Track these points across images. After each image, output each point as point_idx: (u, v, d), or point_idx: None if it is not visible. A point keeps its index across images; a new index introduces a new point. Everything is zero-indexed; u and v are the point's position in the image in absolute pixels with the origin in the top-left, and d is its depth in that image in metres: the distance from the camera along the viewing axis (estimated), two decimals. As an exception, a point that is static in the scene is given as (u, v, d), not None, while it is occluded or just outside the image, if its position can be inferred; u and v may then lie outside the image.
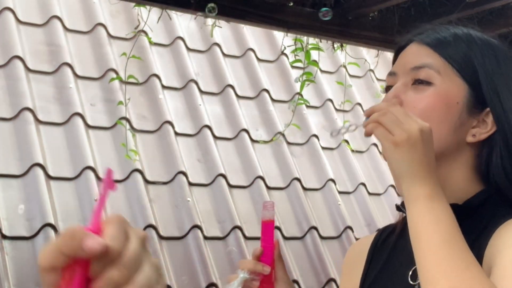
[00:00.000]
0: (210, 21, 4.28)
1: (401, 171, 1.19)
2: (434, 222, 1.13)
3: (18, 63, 4.21)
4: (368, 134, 1.28)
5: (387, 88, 1.38)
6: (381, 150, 4.74)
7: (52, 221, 3.68)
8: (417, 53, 1.36)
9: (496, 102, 1.30)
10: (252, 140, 4.76)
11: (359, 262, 1.44)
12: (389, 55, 5.65)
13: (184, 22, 4.88)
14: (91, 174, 3.97)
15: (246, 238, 4.27)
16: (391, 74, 1.38)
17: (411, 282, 1.29)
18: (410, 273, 1.29)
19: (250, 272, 1.37)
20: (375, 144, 5.33)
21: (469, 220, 1.26)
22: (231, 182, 4.47)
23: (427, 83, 1.31)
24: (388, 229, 1.48)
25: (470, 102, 1.30)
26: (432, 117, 1.27)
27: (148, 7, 3.75)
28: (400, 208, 1.35)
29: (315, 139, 5.01)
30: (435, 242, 1.11)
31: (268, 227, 1.39)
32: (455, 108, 1.29)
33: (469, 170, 1.32)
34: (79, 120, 4.16)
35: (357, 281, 1.42)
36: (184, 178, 4.28)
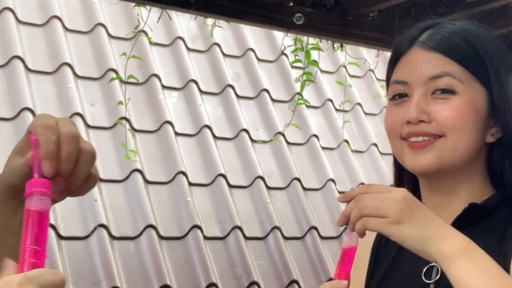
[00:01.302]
0: (210, 21, 4.28)
1: (420, 240, 1.14)
2: (484, 274, 1.10)
3: (18, 63, 4.21)
4: (362, 235, 1.19)
5: (397, 96, 1.34)
6: (381, 150, 4.68)
7: (52, 221, 3.68)
8: (430, 61, 1.31)
9: (502, 97, 1.30)
10: (252, 140, 4.76)
11: (362, 260, 1.42)
12: (389, 55, 5.65)
13: (184, 22, 4.88)
14: (91, 174, 3.97)
15: (246, 238, 4.27)
16: (402, 83, 1.33)
17: (425, 280, 1.28)
18: (424, 270, 1.28)
19: None
20: (375, 144, 5.34)
21: (487, 221, 1.26)
22: (231, 182, 4.47)
23: (450, 91, 1.28)
24: None
25: (489, 104, 1.30)
26: (464, 126, 1.27)
27: (148, 7, 3.75)
28: None
29: (315, 139, 5.01)
30: None
31: (350, 255, 1.29)
32: (481, 113, 1.29)
33: (484, 171, 1.33)
34: (79, 120, 4.16)
35: (361, 279, 1.41)
36: (184, 178, 4.28)
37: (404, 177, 1.42)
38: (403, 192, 1.16)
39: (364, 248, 1.44)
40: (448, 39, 1.32)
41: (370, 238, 1.45)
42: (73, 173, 0.91)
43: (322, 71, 5.29)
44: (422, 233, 1.13)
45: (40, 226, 0.84)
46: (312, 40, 4.00)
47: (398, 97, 1.33)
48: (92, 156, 0.93)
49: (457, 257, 1.11)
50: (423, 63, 1.31)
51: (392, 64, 1.38)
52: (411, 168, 1.32)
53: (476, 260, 1.11)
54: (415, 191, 1.39)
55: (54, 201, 0.93)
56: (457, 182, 1.31)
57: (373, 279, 1.39)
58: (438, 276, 1.26)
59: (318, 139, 5.04)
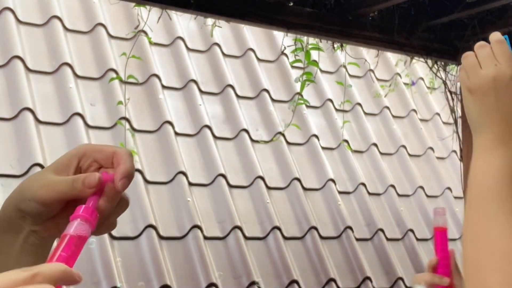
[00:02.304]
0: (210, 21, 4.28)
1: (471, 118, 1.15)
2: (487, 171, 1.10)
3: (18, 63, 4.21)
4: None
5: None
6: (381, 150, 4.69)
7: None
8: None
9: None
10: (252, 140, 4.75)
11: None
12: (389, 55, 5.66)
13: (184, 22, 4.88)
14: (91, 174, 3.96)
15: (246, 238, 4.27)
16: None
17: None
18: None
19: (428, 286, 1.31)
20: (375, 144, 5.34)
21: None
22: (231, 182, 4.47)
23: None
24: None
25: None
26: None
27: (148, 7, 3.75)
28: None
29: (315, 139, 5.01)
30: (482, 192, 1.09)
31: (443, 235, 1.32)
32: None
33: None
34: (79, 120, 4.16)
35: None
36: (184, 178, 4.27)
37: None
38: (501, 74, 1.13)
39: None
40: None
41: None
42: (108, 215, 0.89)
43: (322, 71, 5.29)
44: (477, 116, 1.13)
45: (75, 250, 0.79)
46: (312, 40, 4.00)
47: None
48: (126, 207, 0.94)
49: (479, 151, 1.12)
50: None
51: None
52: None
53: (492, 159, 1.10)
54: None
55: (45, 240, 0.90)
56: None
57: None
58: None
59: (318, 139, 5.04)
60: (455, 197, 5.43)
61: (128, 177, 0.93)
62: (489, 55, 1.14)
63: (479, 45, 1.16)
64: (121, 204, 0.94)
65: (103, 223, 0.89)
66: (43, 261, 0.85)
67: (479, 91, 1.13)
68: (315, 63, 4.06)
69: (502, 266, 1.02)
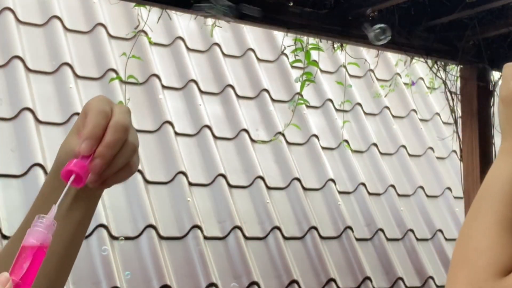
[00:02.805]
0: (210, 21, 4.28)
1: (500, 125, 1.20)
2: (499, 174, 1.11)
3: (18, 63, 4.21)
4: None
5: None
6: (381, 150, 4.68)
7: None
8: None
9: None
10: (252, 140, 4.75)
11: None
12: (389, 55, 5.66)
13: (184, 22, 4.88)
14: (91, 174, 3.96)
15: (246, 238, 4.27)
16: None
17: None
18: None
19: None
20: (375, 144, 5.34)
21: None
22: (231, 182, 4.47)
23: None
24: None
25: None
26: None
27: (148, 7, 3.75)
28: None
29: (315, 139, 5.01)
30: (486, 192, 1.10)
31: None
32: None
33: None
34: (79, 120, 4.15)
35: None
36: (184, 178, 4.27)
37: None
38: None
39: None
40: None
41: None
42: (112, 161, 0.93)
43: (322, 71, 5.29)
44: (505, 124, 1.17)
45: (33, 262, 0.79)
46: (312, 40, 4.00)
47: None
48: (133, 149, 0.97)
49: (498, 156, 1.15)
50: None
51: None
52: None
53: (504, 163, 1.12)
54: None
55: (92, 192, 0.97)
56: None
57: None
58: None
59: (318, 139, 5.04)
60: (455, 197, 5.43)
61: (102, 157, 0.93)
62: None
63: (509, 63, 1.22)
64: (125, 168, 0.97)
65: (111, 170, 0.94)
66: (91, 213, 0.99)
67: (507, 100, 1.18)
68: (315, 63, 4.06)
69: (471, 261, 1.04)
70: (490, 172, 1.14)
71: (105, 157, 0.92)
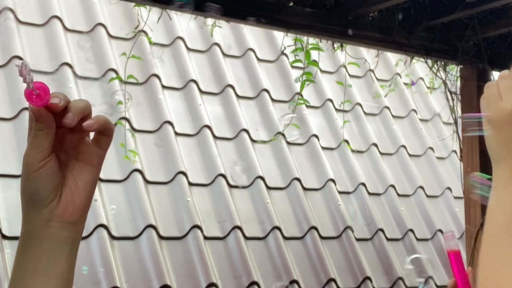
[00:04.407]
0: (210, 21, 4.28)
1: (489, 147, 1.13)
2: (504, 207, 1.07)
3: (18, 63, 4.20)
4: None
5: None
6: (381, 150, 4.67)
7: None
8: None
9: None
10: (252, 140, 4.75)
11: None
12: (389, 55, 5.66)
13: (184, 22, 4.88)
14: (91, 174, 3.97)
15: (246, 238, 4.27)
16: None
17: None
18: None
19: None
20: (375, 144, 5.33)
21: None
22: (231, 182, 4.47)
23: None
24: None
25: None
26: None
27: (148, 7, 3.75)
28: None
29: (315, 139, 5.01)
30: (495, 229, 1.07)
31: (457, 257, 1.36)
32: None
33: None
34: (79, 120, 4.15)
35: None
36: (184, 178, 4.27)
37: None
38: None
39: None
40: None
41: None
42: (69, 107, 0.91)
43: (322, 71, 5.29)
44: (496, 147, 1.11)
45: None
46: (312, 40, 4.00)
47: None
48: (83, 102, 0.92)
49: (496, 183, 1.09)
50: None
51: None
52: None
53: (507, 194, 1.08)
54: None
55: (74, 233, 0.95)
56: None
57: None
58: None
59: (318, 139, 5.04)
60: (455, 197, 5.43)
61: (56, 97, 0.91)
62: (510, 87, 1.12)
63: (502, 75, 1.15)
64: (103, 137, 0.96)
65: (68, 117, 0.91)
66: (73, 262, 0.95)
67: (497, 123, 1.11)
68: (315, 63, 4.06)
69: None
70: (497, 206, 1.08)
71: (59, 96, 0.90)
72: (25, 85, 0.87)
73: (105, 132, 0.96)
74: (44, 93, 0.87)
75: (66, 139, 0.94)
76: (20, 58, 4.22)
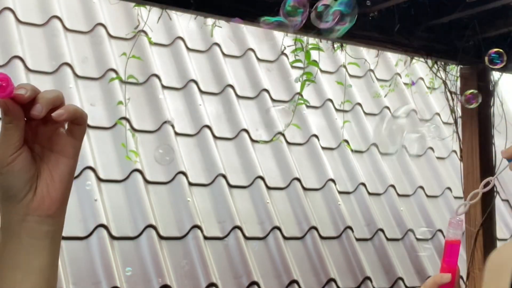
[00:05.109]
0: (210, 21, 4.28)
1: None
2: None
3: (18, 63, 4.21)
4: None
5: None
6: (381, 150, 4.66)
7: None
8: None
9: None
10: (252, 140, 4.75)
11: (502, 271, 1.37)
12: (389, 55, 5.66)
13: (184, 22, 4.88)
14: (91, 174, 3.97)
15: (246, 238, 4.27)
16: None
17: None
18: None
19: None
20: (375, 144, 5.33)
21: None
22: (231, 182, 4.47)
23: None
24: None
25: None
26: None
27: (148, 7, 3.75)
28: None
29: (315, 139, 5.01)
30: None
31: (453, 248, 1.26)
32: None
33: None
34: (79, 120, 4.15)
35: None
36: (184, 178, 4.27)
37: None
38: None
39: (509, 258, 1.40)
40: None
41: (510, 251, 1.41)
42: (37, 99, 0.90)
43: (322, 71, 5.29)
44: None
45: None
46: (312, 40, 4.00)
47: None
48: (53, 93, 0.91)
49: None
50: None
51: None
52: None
53: None
54: None
55: (54, 227, 0.93)
56: None
57: None
58: None
59: (318, 139, 5.04)
60: (455, 197, 5.43)
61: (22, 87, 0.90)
62: None
63: None
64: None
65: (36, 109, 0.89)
66: (54, 260, 0.92)
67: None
68: (315, 63, 4.06)
69: None
70: None
71: (25, 87, 0.89)
72: None
73: (77, 122, 0.93)
74: (6, 84, 0.85)
75: (39, 131, 0.92)
76: (21, 59, 4.23)
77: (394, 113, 5.48)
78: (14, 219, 0.90)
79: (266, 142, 4.79)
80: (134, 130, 4.32)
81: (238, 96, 4.93)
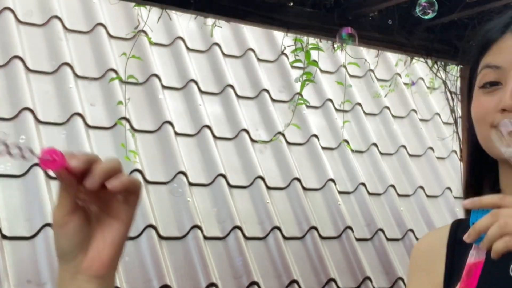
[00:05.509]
0: (210, 21, 4.28)
1: None
2: None
3: (18, 63, 4.21)
4: (499, 254, 1.08)
5: (488, 84, 1.28)
6: (381, 150, 4.66)
7: (50, 221, 3.68)
8: None
9: None
10: (252, 140, 4.75)
11: (435, 259, 1.36)
12: (389, 55, 5.66)
13: (184, 22, 4.88)
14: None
15: (246, 238, 4.27)
16: (494, 67, 1.28)
17: None
18: None
19: None
20: (375, 144, 5.33)
21: None
22: (231, 182, 4.47)
23: None
24: (465, 223, 1.42)
25: None
26: None
27: (148, 7, 3.75)
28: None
29: (315, 139, 5.01)
30: None
31: (474, 267, 1.21)
32: None
33: None
34: (79, 120, 4.16)
35: (436, 278, 1.33)
36: (184, 178, 4.27)
37: (483, 170, 1.36)
38: None
39: (433, 246, 1.38)
40: None
41: (438, 236, 1.39)
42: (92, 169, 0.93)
43: (322, 71, 5.29)
44: None
45: None
46: (312, 40, 4.00)
47: (489, 86, 1.27)
48: (109, 164, 0.94)
49: None
50: None
51: (481, 51, 1.33)
52: (503, 154, 1.24)
53: None
54: (495, 185, 1.33)
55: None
56: None
57: (453, 278, 1.31)
58: None
59: (318, 139, 5.04)
60: (455, 197, 5.43)
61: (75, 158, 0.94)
62: None
63: (499, 221, 1.08)
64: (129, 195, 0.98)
65: (89, 182, 0.93)
66: None
67: None
68: (315, 63, 4.06)
69: None
70: None
71: (79, 158, 0.92)
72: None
73: (131, 191, 0.98)
74: (59, 158, 0.91)
75: (96, 194, 0.95)
76: (20, 59, 4.22)
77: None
78: (66, 276, 0.96)
79: (265, 142, 4.78)
80: (134, 130, 4.32)
81: (238, 96, 4.93)
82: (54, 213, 0.95)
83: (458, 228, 1.37)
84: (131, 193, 0.98)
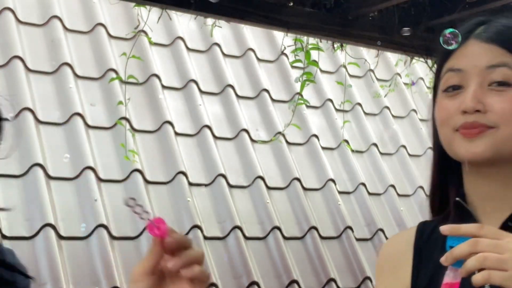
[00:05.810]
0: (210, 21, 4.28)
1: None
2: None
3: (18, 63, 4.21)
4: (478, 286, 1.09)
5: (450, 88, 1.32)
6: (381, 150, 4.67)
7: (52, 221, 3.68)
8: (488, 51, 1.30)
9: None
10: (252, 140, 4.75)
11: (401, 260, 1.39)
12: (389, 55, 5.66)
13: (184, 22, 4.88)
14: (91, 174, 3.97)
15: (246, 238, 4.27)
16: (457, 71, 1.32)
17: None
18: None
19: None
20: (375, 144, 5.33)
21: None
22: (231, 182, 4.47)
23: (506, 84, 1.27)
24: (431, 224, 1.45)
25: None
26: None
27: (148, 7, 3.75)
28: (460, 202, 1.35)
29: (315, 139, 5.01)
30: None
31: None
32: None
33: None
34: (79, 120, 4.16)
35: (404, 279, 1.36)
36: (184, 178, 4.27)
37: (447, 171, 1.40)
38: None
39: (400, 248, 1.42)
40: (504, 32, 1.35)
41: (405, 238, 1.42)
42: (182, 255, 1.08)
43: (322, 71, 5.29)
44: None
45: None
46: (312, 40, 4.00)
47: (452, 89, 1.31)
48: (195, 254, 1.09)
49: None
50: (480, 53, 1.31)
51: (445, 57, 1.36)
52: (464, 156, 1.30)
53: None
54: (459, 187, 1.35)
55: None
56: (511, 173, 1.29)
57: (420, 279, 1.34)
58: None
59: (318, 139, 5.04)
60: (455, 197, 5.42)
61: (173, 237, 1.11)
62: (493, 234, 1.12)
63: (475, 239, 1.12)
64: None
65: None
66: None
67: None
68: (315, 63, 4.06)
69: None
70: None
71: (176, 239, 1.08)
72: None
73: (200, 280, 1.10)
74: (162, 226, 1.07)
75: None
76: (21, 59, 4.22)
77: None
78: None
79: (265, 142, 4.78)
80: (134, 130, 4.32)
81: (238, 96, 4.93)
82: (134, 269, 1.09)
83: (424, 230, 1.41)
84: (201, 282, 1.10)
